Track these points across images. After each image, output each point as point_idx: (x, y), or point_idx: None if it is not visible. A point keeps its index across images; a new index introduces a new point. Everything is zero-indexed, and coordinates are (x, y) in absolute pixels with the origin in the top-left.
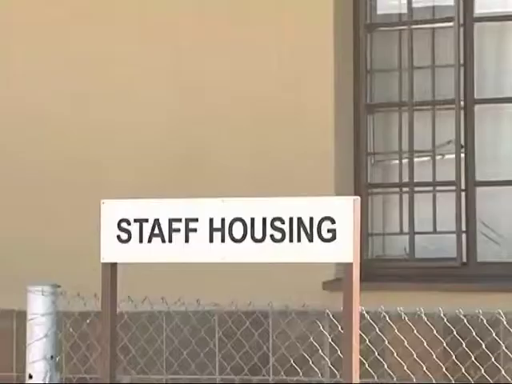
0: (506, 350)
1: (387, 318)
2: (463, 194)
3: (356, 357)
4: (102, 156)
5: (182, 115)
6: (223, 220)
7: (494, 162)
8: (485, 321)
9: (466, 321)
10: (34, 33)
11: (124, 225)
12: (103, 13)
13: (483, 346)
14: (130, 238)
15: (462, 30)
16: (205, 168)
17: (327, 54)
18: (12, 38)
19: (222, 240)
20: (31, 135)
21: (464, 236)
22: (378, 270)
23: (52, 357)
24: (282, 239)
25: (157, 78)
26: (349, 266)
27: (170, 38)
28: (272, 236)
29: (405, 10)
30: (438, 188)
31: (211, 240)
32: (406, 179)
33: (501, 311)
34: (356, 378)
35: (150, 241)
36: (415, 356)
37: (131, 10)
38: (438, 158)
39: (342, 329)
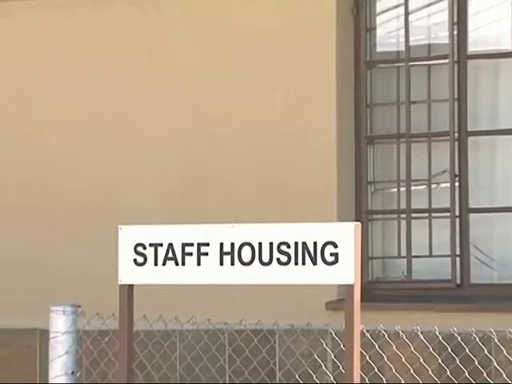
0: (497, 366)
1: (386, 336)
2: (457, 220)
3: (357, 372)
4: (117, 183)
5: (194, 145)
6: (233, 244)
7: (487, 190)
8: (477, 339)
9: (459, 339)
10: (57, 74)
11: (140, 249)
12: (119, 51)
13: (476, 363)
14: (145, 261)
15: (455, 66)
16: (215, 194)
17: (330, 90)
18: (37, 80)
19: (232, 263)
20: (53, 165)
21: (458, 259)
22: (377, 291)
23: (73, 372)
24: (288, 262)
25: (171, 110)
26: (350, 287)
27: (185, 75)
28: (278, 259)
29: (402, 48)
30: (434, 214)
31: (221, 263)
32: (403, 206)
33: (492, 330)
34: (356, 373)
35: (164, 264)
36: (412, 371)
37: (147, 49)
38: (433, 186)
39: (343, 346)
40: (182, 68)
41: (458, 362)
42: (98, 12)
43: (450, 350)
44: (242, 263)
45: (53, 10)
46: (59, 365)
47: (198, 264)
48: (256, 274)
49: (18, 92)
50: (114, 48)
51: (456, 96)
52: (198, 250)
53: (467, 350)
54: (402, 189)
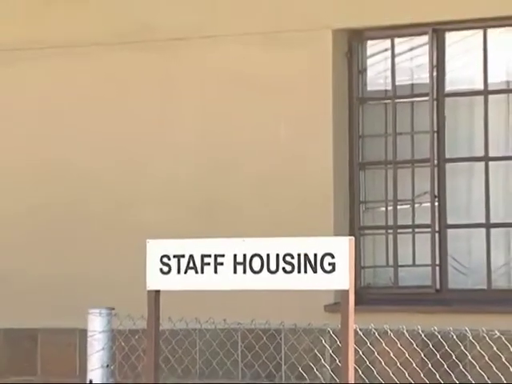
0: (472, 360)
1: (376, 334)
2: (437, 234)
3: (351, 366)
4: (140, 203)
5: (206, 170)
6: (244, 255)
7: (462, 208)
8: (454, 336)
9: (439, 336)
10: (87, 110)
11: (165, 260)
12: (141, 90)
13: (453, 357)
14: (169, 270)
15: (435, 103)
16: (225, 212)
17: (327, 123)
18: (69, 116)
19: (244, 272)
20: (84, 189)
21: (437, 268)
22: (369, 296)
23: (108, 365)
24: (292, 271)
25: (187, 141)
26: (345, 292)
27: (199, 110)
28: (284, 268)
29: (389, 87)
30: (417, 230)
31: (235, 272)
32: (390, 223)
33: (467, 329)
34: (352, 378)
35: (186, 272)
36: (398, 364)
37: (165, 88)
38: (416, 205)
39: (340, 343)
40: (196, 105)
41: (438, 356)
42: (124, 57)
43: (431, 346)
44: (253, 272)
45: (82, 55)
46: (96, 359)
47: (215, 272)
48: (265, 281)
49: (53, 126)
50: (136, 87)
51: (435, 128)
52: (215, 260)
53: (446, 347)
54: (389, 208)
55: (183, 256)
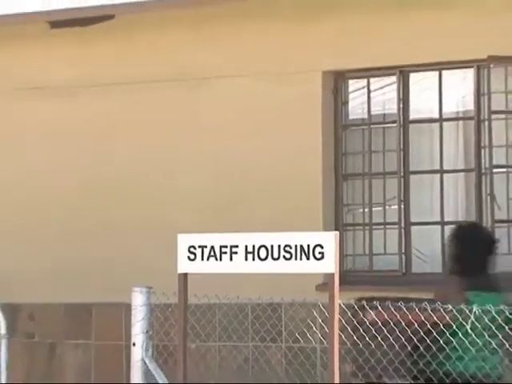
0: (429, 327)
1: (356, 307)
2: (403, 230)
3: (336, 331)
4: (169, 206)
5: (222, 179)
6: (253, 246)
7: (422, 210)
8: (417, 310)
9: (405, 309)
10: (129, 131)
11: (192, 249)
12: (168, 119)
13: (415, 325)
14: (195, 257)
15: (401, 128)
16: (238, 212)
17: (317, 144)
18: (113, 142)
19: (253, 259)
20: (130, 195)
21: (403, 256)
22: (350, 277)
23: (147, 331)
24: (290, 258)
25: (207, 159)
26: (332, 275)
27: (217, 135)
28: (284, 256)
29: (366, 116)
30: (387, 226)
31: (246, 259)
32: (367, 221)
33: (426, 303)
34: (336, 342)
35: (208, 259)
36: (374, 331)
37: (189, 115)
38: (387, 207)
39: (328, 314)
40: (215, 129)
41: (403, 324)
42: (157, 93)
43: (398, 316)
44: (260, 259)
45: (125, 91)
46: (138, 327)
47: (230, 259)
48: (269, 266)
49: (109, 143)
50: (170, 116)
51: (402, 147)
52: (230, 250)
53: (410, 317)
54: (366, 209)
55: (206, 247)
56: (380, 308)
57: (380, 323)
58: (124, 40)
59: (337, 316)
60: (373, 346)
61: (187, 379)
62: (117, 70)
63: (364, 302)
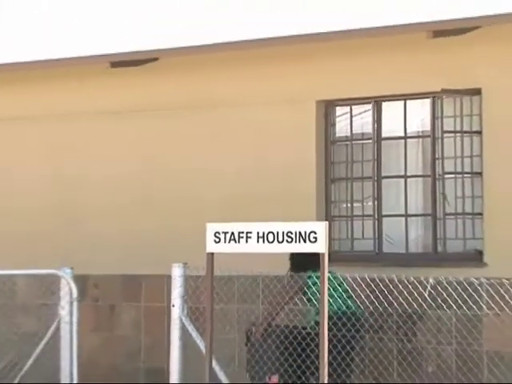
0: (397, 295)
1: (340, 279)
2: (377, 221)
3: (325, 293)
4: (202, 200)
5: (242, 180)
6: (263, 232)
7: (391, 206)
8: (387, 280)
9: (377, 280)
10: (165, 145)
11: (217, 234)
12: (198, 134)
13: (386, 292)
14: (219, 241)
15: (376, 144)
16: (251, 208)
17: (311, 155)
18: (158, 149)
19: (263, 242)
20: (173, 193)
21: (377, 240)
22: (337, 256)
23: (183, 296)
24: (291, 241)
25: (229, 162)
26: (323, 254)
27: (235, 145)
28: (287, 240)
29: (349, 134)
30: (365, 218)
31: (258, 242)
32: (349, 214)
33: (394, 276)
34: (325, 296)
35: (229, 242)
36: (354, 297)
37: (214, 132)
38: (364, 203)
39: (319, 283)
40: (234, 145)
41: (377, 292)
42: (183, 117)
43: (373, 286)
44: (269, 242)
45: (157, 116)
46: (177, 293)
47: (246, 242)
48: (275, 247)
49: (153, 154)
50: (195, 136)
51: (376, 158)
52: (246, 235)
53: (381, 286)
54: (348, 205)
55: (227, 232)
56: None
57: None
58: (165, 76)
59: (326, 283)
60: None
61: (213, 332)
62: (159, 99)
63: (348, 275)
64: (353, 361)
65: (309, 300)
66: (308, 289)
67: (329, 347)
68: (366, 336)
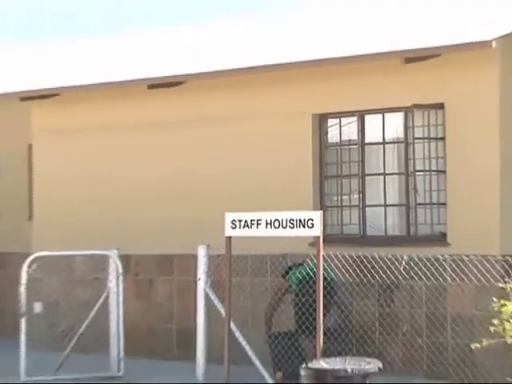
0: (377, 268)
1: (334, 258)
2: (361, 210)
3: (321, 267)
4: (221, 194)
5: (251, 178)
6: (271, 220)
7: (373, 197)
8: (370, 258)
9: (362, 257)
10: (202, 148)
11: (233, 221)
12: (220, 141)
13: (369, 267)
14: (235, 227)
15: (360, 148)
16: (260, 200)
17: (309, 157)
18: (198, 150)
19: (271, 227)
20: (200, 188)
21: (362, 225)
22: (329, 239)
23: (207, 272)
24: (294, 227)
25: (242, 162)
26: (318, 237)
27: (247, 154)
28: (289, 226)
29: (338, 140)
30: (352, 208)
31: (266, 227)
32: (339, 204)
33: (375, 254)
34: (321, 269)
35: (243, 228)
36: (343, 270)
37: (233, 139)
38: (351, 196)
39: (315, 260)
40: (247, 150)
41: (362, 267)
42: (209, 128)
43: (358, 262)
44: (275, 227)
45: (185, 128)
46: (202, 269)
47: (257, 228)
48: (280, 232)
49: (186, 159)
50: (219, 144)
51: (360, 159)
52: (257, 222)
53: (365, 262)
54: (339, 197)
55: (241, 220)
56: None
57: None
58: (189, 95)
59: (321, 260)
60: None
61: (231, 300)
62: (186, 113)
63: (338, 253)
64: (328, 310)
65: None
66: (289, 275)
67: (308, 303)
68: (342, 297)
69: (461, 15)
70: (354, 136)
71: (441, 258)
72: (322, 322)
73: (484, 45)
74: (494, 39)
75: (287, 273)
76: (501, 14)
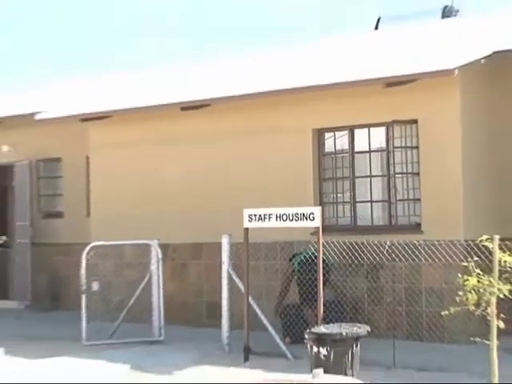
0: (366, 253)
1: (331, 244)
2: (352, 205)
3: (320, 252)
4: (240, 193)
5: (265, 184)
6: (280, 214)
7: (363, 194)
8: (360, 243)
9: (354, 244)
10: (230, 155)
11: (250, 216)
12: (247, 152)
13: (359, 251)
14: (252, 220)
15: (351, 156)
16: (271, 199)
17: (309, 163)
18: (228, 155)
19: (280, 220)
20: (227, 185)
21: (353, 218)
22: (327, 228)
23: (229, 256)
24: (298, 220)
25: (255, 175)
26: (318, 228)
27: (263, 161)
28: (295, 219)
29: (333, 150)
30: (345, 204)
31: (276, 220)
32: (334, 201)
33: (364, 240)
34: (320, 253)
35: (258, 221)
36: (338, 254)
37: (256, 146)
38: (344, 194)
39: (316, 246)
40: (260, 159)
41: (353, 251)
42: (236, 141)
43: (350, 247)
44: (283, 220)
45: (225, 139)
46: (225, 254)
47: (269, 221)
48: (288, 224)
49: (216, 164)
50: (246, 154)
51: (351, 165)
52: (269, 216)
53: (356, 247)
54: (334, 195)
55: (256, 214)
56: None
57: None
58: (215, 115)
59: (321, 247)
60: None
61: (248, 279)
62: (213, 130)
63: (335, 240)
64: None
65: (293, 264)
66: (294, 259)
67: (311, 280)
68: (337, 276)
69: (431, 48)
70: (346, 146)
71: (416, 243)
72: (321, 295)
73: (448, 73)
74: (455, 68)
75: (291, 259)
76: (462, 48)
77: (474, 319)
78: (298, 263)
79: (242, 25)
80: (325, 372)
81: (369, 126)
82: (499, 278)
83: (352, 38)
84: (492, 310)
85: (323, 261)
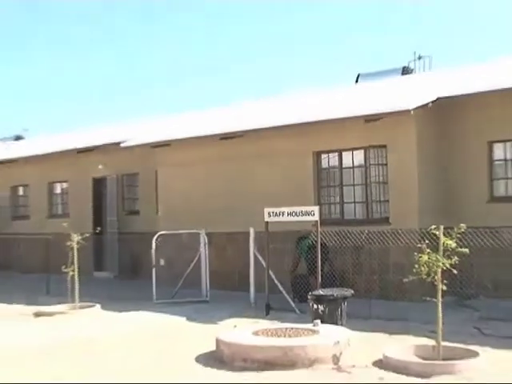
0: (351, 238)
1: (326, 233)
2: (340, 205)
3: (319, 239)
4: (262, 196)
5: (276, 190)
6: (290, 211)
7: (349, 196)
8: (346, 232)
9: (342, 232)
10: (248, 167)
11: (269, 212)
12: (248, 168)
13: (351, 241)
14: (270, 215)
15: (340, 171)
16: (283, 201)
17: (310, 174)
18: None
19: (290, 216)
20: (251, 189)
21: (341, 214)
22: (324, 222)
23: (255, 241)
24: (303, 215)
25: (269, 184)
26: (317, 221)
27: (271, 177)
28: (301, 215)
29: (327, 166)
30: (336, 203)
31: (288, 216)
32: (332, 201)
33: (350, 229)
34: (319, 240)
35: (275, 216)
36: (333, 242)
37: (267, 162)
38: (335, 196)
39: (315, 236)
40: (274, 173)
41: (342, 237)
42: (252, 162)
43: (340, 235)
44: (292, 216)
45: (242, 160)
46: (252, 240)
47: (282, 216)
48: (296, 218)
49: (236, 174)
50: (249, 167)
51: (340, 176)
52: (282, 213)
53: (344, 234)
54: (328, 198)
55: (274, 212)
56: None
57: None
58: (246, 142)
59: (319, 234)
60: None
61: (269, 258)
62: (244, 153)
63: (331, 231)
64: (324, 262)
65: (301, 245)
66: (301, 242)
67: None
68: (331, 253)
69: (395, 95)
70: (336, 163)
71: (386, 231)
72: (320, 269)
73: (407, 112)
74: (412, 109)
75: (297, 242)
76: (416, 95)
77: (426, 284)
78: (307, 246)
79: (252, 77)
80: (322, 322)
81: (352, 149)
82: (443, 255)
83: (340, 88)
84: (438, 277)
85: (324, 244)
